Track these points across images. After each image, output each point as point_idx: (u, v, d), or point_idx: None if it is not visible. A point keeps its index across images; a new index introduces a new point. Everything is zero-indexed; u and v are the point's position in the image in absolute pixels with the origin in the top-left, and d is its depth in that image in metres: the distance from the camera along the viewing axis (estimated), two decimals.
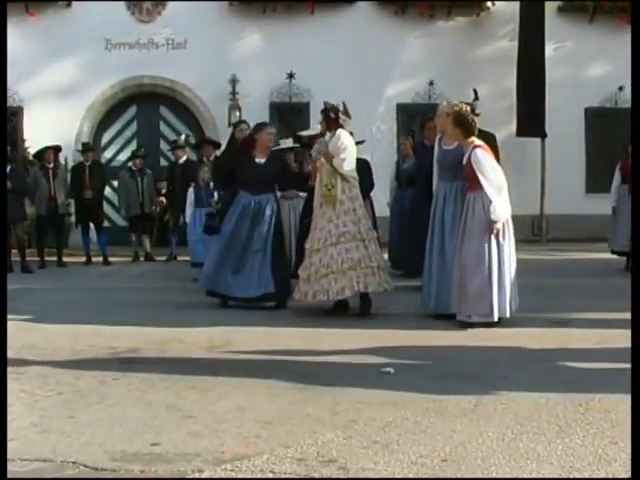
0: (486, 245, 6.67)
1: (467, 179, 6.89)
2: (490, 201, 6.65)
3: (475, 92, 8.23)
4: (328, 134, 7.65)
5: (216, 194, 7.96)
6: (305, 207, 8.63)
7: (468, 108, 7.15)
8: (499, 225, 6.69)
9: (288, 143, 10.79)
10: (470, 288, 6.67)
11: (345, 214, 7.35)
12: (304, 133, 9.53)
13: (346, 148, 7.49)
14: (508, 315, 6.74)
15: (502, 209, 6.71)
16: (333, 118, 7.57)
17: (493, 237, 6.68)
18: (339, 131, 7.53)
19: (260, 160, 8.04)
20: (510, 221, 6.89)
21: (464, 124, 6.87)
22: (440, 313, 7.11)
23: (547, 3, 16.04)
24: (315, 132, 8.95)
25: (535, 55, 15.77)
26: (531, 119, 15.77)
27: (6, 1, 9.38)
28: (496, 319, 6.68)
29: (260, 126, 8.33)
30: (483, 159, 6.77)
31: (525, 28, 15.80)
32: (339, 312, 7.52)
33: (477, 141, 6.90)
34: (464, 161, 6.88)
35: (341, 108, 7.62)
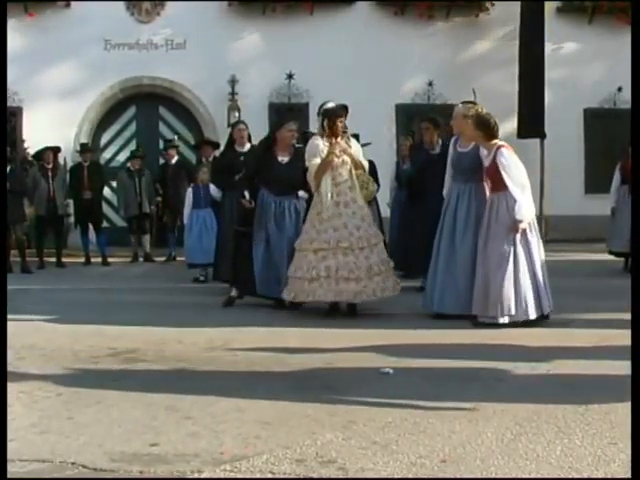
0: (511, 246, 6.66)
1: (490, 180, 6.89)
2: (515, 200, 6.65)
3: (474, 92, 8.27)
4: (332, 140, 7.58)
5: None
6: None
7: (484, 109, 7.16)
8: (524, 225, 6.69)
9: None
10: (494, 290, 6.66)
11: (362, 220, 7.39)
12: (313, 130, 9.55)
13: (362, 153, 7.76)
14: (533, 316, 6.73)
15: (527, 208, 6.71)
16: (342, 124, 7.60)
17: (518, 237, 6.68)
18: (352, 140, 7.74)
19: (283, 159, 7.93)
20: (535, 221, 6.90)
21: (486, 127, 6.87)
22: (441, 313, 7.11)
23: (546, 4, 16.04)
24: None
25: (535, 56, 15.76)
26: (531, 120, 15.76)
27: (6, 1, 9.39)
28: (520, 320, 6.68)
29: (281, 123, 8.20)
30: (509, 158, 6.77)
31: (525, 29, 15.80)
32: (334, 313, 7.52)
33: (500, 141, 6.91)
34: (487, 162, 6.88)
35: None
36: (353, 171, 7.53)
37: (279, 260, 7.74)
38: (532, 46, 15.73)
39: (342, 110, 7.69)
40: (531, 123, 15.76)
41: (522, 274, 6.67)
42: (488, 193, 7.03)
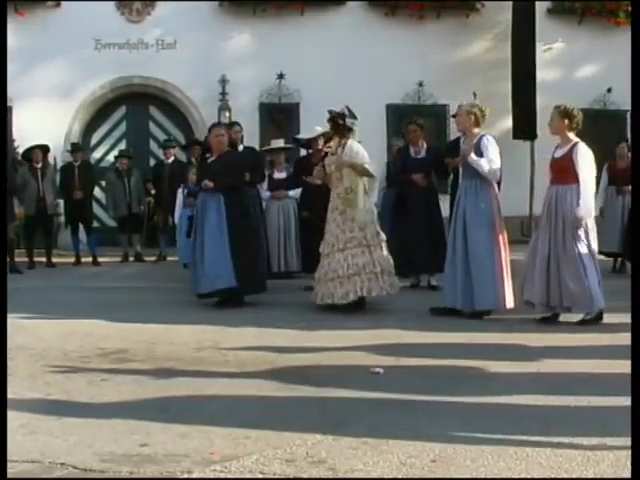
0: (573, 241, 6.78)
1: (559, 172, 6.93)
2: (582, 197, 6.76)
3: (474, 95, 8.44)
4: (335, 143, 7.92)
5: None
6: (303, 200, 8.86)
7: (487, 109, 7.49)
8: (588, 222, 6.81)
9: (279, 143, 10.83)
10: (571, 284, 6.76)
11: (352, 220, 7.61)
12: (302, 136, 9.62)
13: (365, 155, 7.88)
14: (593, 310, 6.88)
15: (590, 207, 6.86)
16: (342, 124, 7.81)
17: (581, 233, 6.80)
18: (349, 143, 7.85)
19: (211, 159, 8.31)
20: (592, 219, 6.99)
21: (571, 118, 6.94)
22: (477, 311, 7.18)
23: (536, 4, 16.06)
24: (313, 135, 9.03)
25: (527, 57, 15.80)
26: (524, 121, 15.79)
27: (6, 1, 9.39)
28: (597, 311, 6.87)
29: (210, 128, 8.61)
30: (588, 155, 6.89)
31: (517, 30, 15.83)
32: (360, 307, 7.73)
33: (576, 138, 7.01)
34: (559, 154, 6.96)
35: (346, 112, 7.86)
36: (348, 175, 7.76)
37: (201, 255, 7.97)
38: (524, 47, 15.76)
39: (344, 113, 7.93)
40: (524, 124, 15.78)
41: (590, 268, 6.83)
42: (548, 184, 7.13)
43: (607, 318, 6.90)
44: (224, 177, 7.99)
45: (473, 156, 7.17)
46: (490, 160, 7.23)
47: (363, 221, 7.65)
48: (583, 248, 6.80)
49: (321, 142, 9.17)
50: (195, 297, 8.14)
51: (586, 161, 6.86)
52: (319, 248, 7.85)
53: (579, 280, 6.76)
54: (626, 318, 6.60)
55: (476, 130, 7.41)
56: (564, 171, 6.89)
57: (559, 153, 7.00)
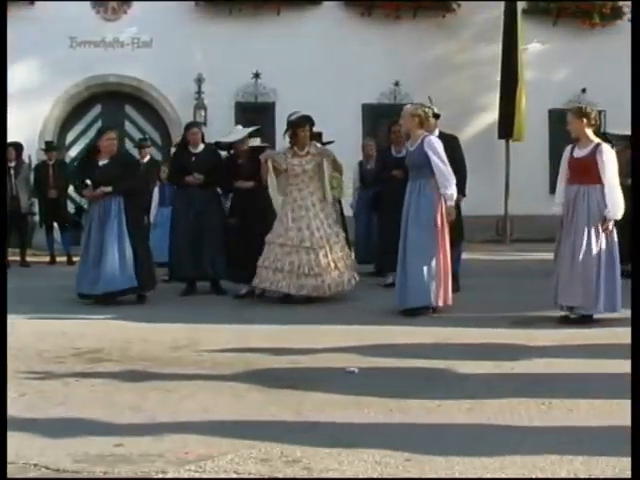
0: (595, 240, 6.73)
1: (581, 171, 6.87)
2: (611, 198, 6.72)
3: (430, 99, 8.55)
4: (291, 149, 8.27)
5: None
6: (234, 205, 8.83)
7: (433, 110, 7.61)
8: (612, 223, 6.78)
9: (256, 142, 10.78)
10: (593, 283, 6.71)
11: (327, 217, 8.25)
12: (224, 139, 9.63)
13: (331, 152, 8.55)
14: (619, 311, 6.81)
15: (621, 206, 6.78)
16: (309, 130, 8.28)
17: (603, 233, 6.76)
18: (320, 147, 8.48)
19: (103, 162, 8.39)
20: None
21: (588, 117, 6.88)
22: (411, 307, 7.28)
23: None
24: (236, 138, 8.96)
25: (511, 57, 15.91)
26: (509, 121, 15.90)
27: (6, 1, 9.35)
28: (606, 313, 6.80)
29: (100, 132, 8.84)
30: (610, 156, 6.85)
31: (505, 32, 15.95)
32: (287, 301, 8.09)
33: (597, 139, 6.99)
34: (580, 154, 6.89)
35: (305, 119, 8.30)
36: (317, 177, 8.26)
37: (96, 259, 8.14)
38: (509, 47, 15.86)
39: (304, 120, 8.28)
40: (511, 124, 15.89)
41: (612, 269, 6.79)
42: (563, 185, 7.05)
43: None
44: (122, 180, 8.22)
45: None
46: (443, 161, 7.31)
47: (335, 220, 8.36)
48: (606, 250, 6.76)
49: (253, 142, 9.39)
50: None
51: (611, 161, 6.80)
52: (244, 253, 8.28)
53: (593, 281, 6.69)
54: (603, 316, 6.71)
55: (419, 131, 7.44)
56: (587, 171, 6.81)
57: (580, 153, 6.90)
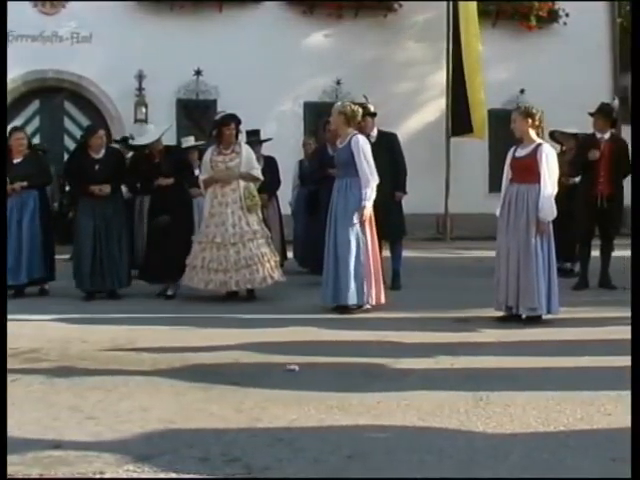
0: (534, 239, 6.76)
1: (522, 171, 6.91)
2: (545, 198, 6.76)
3: (365, 98, 8.61)
4: (221, 148, 8.31)
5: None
6: (152, 209, 8.77)
7: (358, 108, 7.64)
8: (546, 223, 6.82)
9: (189, 141, 10.71)
10: (533, 283, 6.73)
11: (250, 214, 8.21)
12: (137, 143, 9.60)
13: (255, 158, 8.56)
14: (559, 311, 6.87)
15: (552, 208, 6.82)
16: (234, 129, 8.30)
17: (539, 233, 6.79)
18: (244, 146, 8.48)
19: (17, 161, 8.75)
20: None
21: (533, 118, 6.94)
22: (340, 305, 7.36)
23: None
24: (151, 140, 8.89)
25: (458, 56, 16.14)
26: (463, 118, 16.09)
27: (6, 1, 9.26)
28: (544, 313, 6.83)
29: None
30: (553, 155, 6.93)
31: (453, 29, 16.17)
32: (232, 299, 8.24)
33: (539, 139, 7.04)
34: (521, 153, 6.95)
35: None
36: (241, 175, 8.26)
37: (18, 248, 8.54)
38: (456, 47, 16.07)
39: (230, 119, 8.34)
40: (464, 121, 16.09)
41: (546, 268, 6.82)
42: (506, 183, 7.08)
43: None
44: (36, 176, 8.65)
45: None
46: (367, 161, 7.41)
47: (259, 216, 8.33)
48: (543, 250, 6.81)
49: (187, 142, 9.79)
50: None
51: (551, 162, 6.88)
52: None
53: (532, 280, 6.74)
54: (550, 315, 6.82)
55: (349, 130, 7.52)
56: (527, 170, 6.88)
57: (522, 152, 6.98)
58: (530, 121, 6.94)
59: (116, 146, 11.11)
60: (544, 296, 6.76)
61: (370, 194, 7.40)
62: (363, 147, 7.43)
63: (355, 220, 7.34)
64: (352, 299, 7.33)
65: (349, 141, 7.47)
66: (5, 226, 8.47)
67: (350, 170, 7.43)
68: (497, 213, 7.12)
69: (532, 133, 6.97)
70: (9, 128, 9.59)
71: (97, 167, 8.48)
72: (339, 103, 7.88)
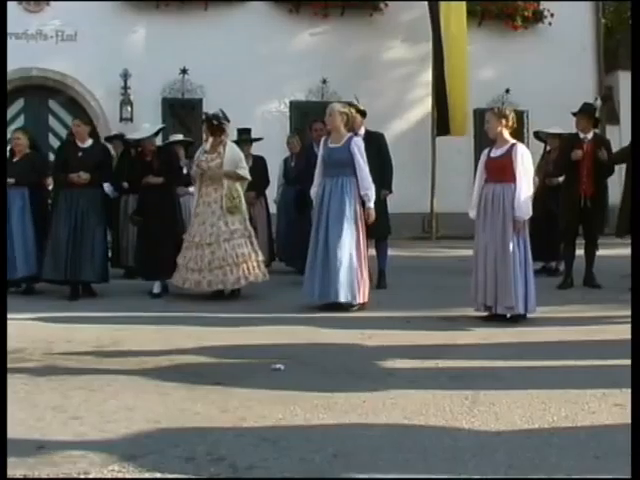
0: (510, 239, 6.78)
1: (497, 171, 6.93)
2: (520, 197, 6.78)
3: (356, 99, 8.65)
4: (207, 146, 8.36)
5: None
6: (140, 206, 8.80)
7: (353, 109, 7.79)
8: (522, 222, 6.84)
9: (177, 137, 10.73)
10: (509, 283, 6.74)
11: (233, 214, 8.18)
12: (131, 136, 9.63)
13: (242, 157, 8.47)
14: (535, 311, 6.88)
15: (529, 207, 6.86)
16: (216, 125, 8.26)
17: (515, 232, 6.81)
18: (229, 144, 8.41)
19: (15, 160, 8.88)
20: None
21: (507, 119, 6.99)
22: (325, 302, 7.40)
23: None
24: (143, 135, 8.97)
25: (439, 59, 16.17)
26: (444, 119, 16.13)
27: (6, 0, 9.30)
28: (522, 312, 6.84)
29: (12, 132, 9.32)
30: (528, 155, 6.94)
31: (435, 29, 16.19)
32: (217, 298, 8.23)
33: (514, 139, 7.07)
34: (497, 154, 6.97)
35: (220, 114, 8.32)
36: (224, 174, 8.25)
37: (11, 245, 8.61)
38: (438, 47, 16.10)
39: (219, 115, 8.33)
40: (447, 122, 16.13)
41: (523, 267, 6.84)
42: (480, 183, 7.11)
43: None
44: (26, 175, 8.73)
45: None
46: (365, 163, 7.51)
47: (243, 215, 8.28)
48: (519, 249, 6.83)
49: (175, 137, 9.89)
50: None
51: (526, 162, 6.91)
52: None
53: (509, 279, 6.75)
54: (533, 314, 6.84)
55: (345, 130, 7.61)
56: (502, 170, 6.91)
57: (497, 152, 7.00)
58: (504, 122, 7.00)
59: (112, 143, 11.12)
60: (521, 295, 6.78)
61: (372, 195, 7.55)
62: (362, 149, 7.56)
63: (360, 220, 7.47)
64: (342, 297, 7.34)
65: (348, 142, 7.53)
66: (5, 226, 8.46)
67: (345, 170, 7.49)
68: (470, 214, 7.16)
69: (505, 133, 7.01)
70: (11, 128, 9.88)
71: (80, 154, 8.52)
72: (337, 103, 7.96)
